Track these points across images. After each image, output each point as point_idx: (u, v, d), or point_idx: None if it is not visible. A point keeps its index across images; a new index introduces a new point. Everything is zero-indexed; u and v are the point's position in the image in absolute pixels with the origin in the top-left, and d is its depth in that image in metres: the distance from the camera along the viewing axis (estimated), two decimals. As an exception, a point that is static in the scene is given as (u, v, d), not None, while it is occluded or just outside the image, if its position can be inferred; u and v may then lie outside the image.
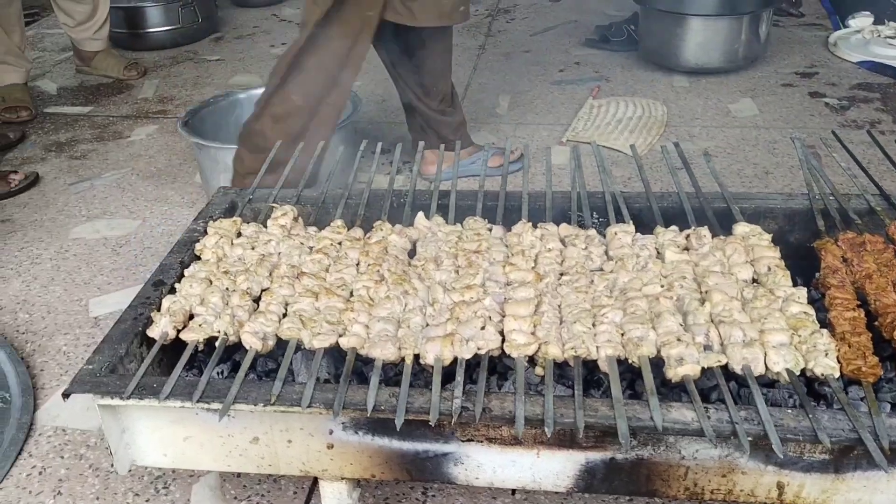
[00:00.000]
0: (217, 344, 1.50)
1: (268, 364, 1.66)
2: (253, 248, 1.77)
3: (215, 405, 1.37)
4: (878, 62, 4.03)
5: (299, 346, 1.50)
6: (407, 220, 1.87)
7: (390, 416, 1.32)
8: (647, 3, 4.11)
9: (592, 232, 1.77)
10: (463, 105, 3.79)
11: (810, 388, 1.46)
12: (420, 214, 1.85)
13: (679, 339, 1.40)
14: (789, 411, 1.28)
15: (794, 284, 1.58)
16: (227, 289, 1.63)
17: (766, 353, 1.37)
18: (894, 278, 1.54)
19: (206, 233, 1.84)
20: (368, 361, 1.48)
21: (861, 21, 4.47)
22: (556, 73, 4.20)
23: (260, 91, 2.73)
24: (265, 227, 1.85)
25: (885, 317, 1.45)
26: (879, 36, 4.22)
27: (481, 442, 1.40)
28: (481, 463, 1.42)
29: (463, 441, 1.41)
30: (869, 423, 1.24)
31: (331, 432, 1.44)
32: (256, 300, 1.62)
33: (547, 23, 5.01)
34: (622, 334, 1.45)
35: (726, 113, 3.60)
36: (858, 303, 1.50)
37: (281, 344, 1.52)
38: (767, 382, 1.45)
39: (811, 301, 1.52)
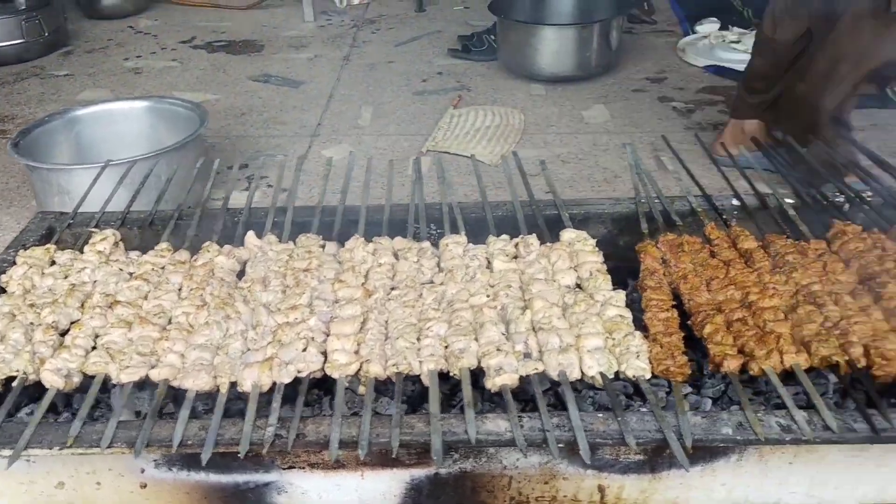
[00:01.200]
0: (14, 385, 1.39)
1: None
2: (66, 278, 1.66)
3: (6, 451, 1.27)
4: (722, 66, 4.23)
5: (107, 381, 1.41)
6: (240, 240, 1.81)
7: (198, 450, 1.26)
8: (503, 14, 4.18)
9: (426, 244, 1.75)
10: (325, 117, 3.76)
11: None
12: (250, 233, 1.79)
13: (499, 349, 1.40)
14: (600, 415, 1.30)
15: (624, 287, 1.62)
16: (31, 323, 1.51)
17: (581, 358, 1.39)
18: (709, 277, 1.60)
19: (14, 263, 1.71)
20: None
21: (708, 27, 4.68)
22: (419, 83, 4.21)
23: (105, 105, 2.59)
24: (82, 253, 1.74)
25: (697, 315, 1.50)
26: (724, 41, 4.44)
27: (303, 468, 1.35)
28: (305, 489, 1.38)
29: (284, 469, 1.36)
30: (675, 423, 1.27)
31: (142, 471, 1.35)
32: (65, 333, 1.52)
33: (412, 33, 5.04)
34: (446, 347, 1.44)
35: (580, 119, 3.70)
36: (674, 303, 1.54)
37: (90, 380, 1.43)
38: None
39: (634, 303, 1.56)
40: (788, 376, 1.35)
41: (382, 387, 1.47)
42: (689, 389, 1.52)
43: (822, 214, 1.82)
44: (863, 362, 1.36)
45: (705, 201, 1.90)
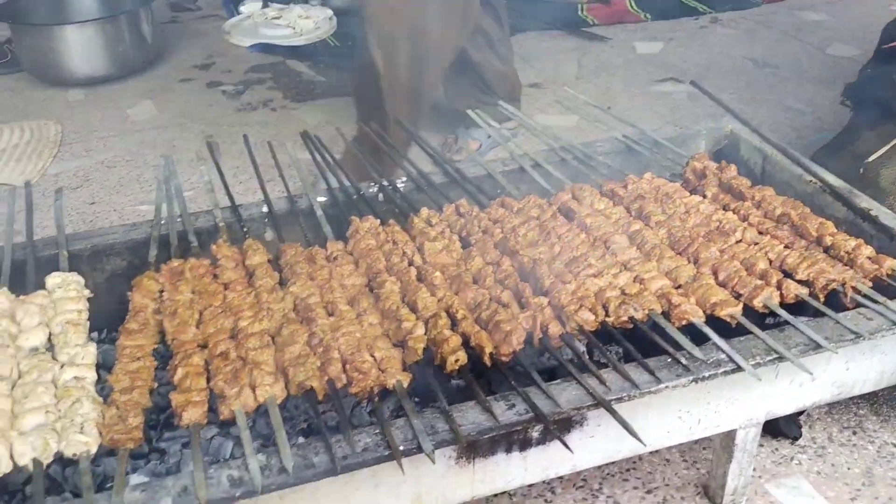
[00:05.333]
0: None
1: None
2: None
3: None
4: (267, 43, 4.23)
5: None
6: None
7: None
8: (17, 19, 3.76)
9: None
10: None
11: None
12: None
13: None
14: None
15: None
16: None
17: (11, 445, 1.13)
18: (204, 307, 1.41)
19: None
20: None
21: (250, 6, 4.63)
22: None
23: None
24: None
25: (175, 357, 1.30)
26: (267, 18, 4.45)
27: None
28: None
29: None
30: (107, 505, 1.06)
31: None
32: None
33: None
34: None
35: (125, 119, 3.50)
36: (157, 346, 1.34)
37: None
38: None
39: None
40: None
41: None
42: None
43: (353, 211, 1.73)
44: (343, 379, 1.25)
45: (232, 213, 1.72)
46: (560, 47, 4.06)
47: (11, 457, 1.13)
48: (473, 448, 1.25)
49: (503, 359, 1.30)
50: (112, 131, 3.33)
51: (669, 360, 1.29)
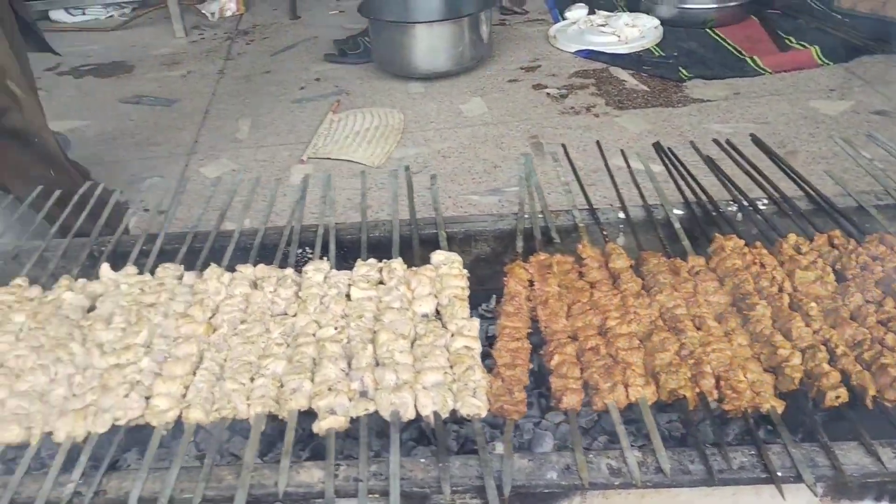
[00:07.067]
0: None
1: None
2: None
3: None
4: (592, 49, 4.32)
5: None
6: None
7: (-8, 510, 1.18)
8: (373, 15, 4.19)
9: (288, 271, 1.67)
10: (201, 133, 3.71)
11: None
12: (105, 266, 1.71)
13: (330, 389, 1.31)
14: (422, 461, 1.21)
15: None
16: None
17: (416, 396, 1.30)
18: (571, 301, 1.50)
19: None
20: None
21: (577, 13, 4.78)
22: (297, 91, 4.22)
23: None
24: (-68, 292, 1.67)
25: (549, 344, 1.41)
26: (592, 25, 4.54)
27: (121, 523, 1.27)
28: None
29: (101, 523, 1.28)
30: (499, 468, 1.18)
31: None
32: None
33: (287, 41, 5.02)
34: (280, 386, 1.36)
35: (458, 113, 3.73)
36: (530, 330, 1.46)
37: None
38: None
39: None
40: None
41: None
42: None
43: (712, 227, 1.73)
44: (715, 395, 1.27)
45: (590, 215, 1.80)
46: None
47: (415, 406, 1.30)
48: (843, 489, 1.20)
49: (886, 404, 1.24)
50: (447, 124, 3.64)
51: None
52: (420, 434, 1.48)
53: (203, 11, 5.50)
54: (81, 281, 1.68)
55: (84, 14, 5.63)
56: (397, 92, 4.05)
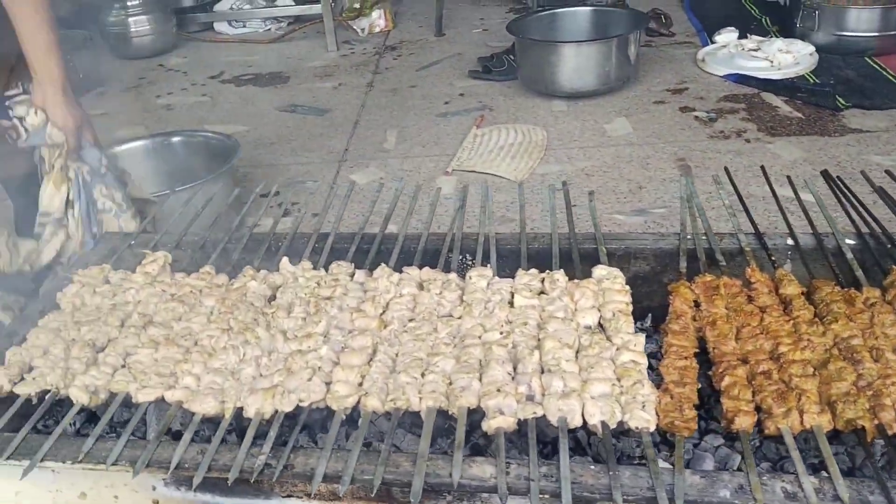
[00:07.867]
0: (47, 398, 1.49)
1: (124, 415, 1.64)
2: (114, 297, 1.77)
3: (25, 462, 1.36)
4: (742, 74, 4.21)
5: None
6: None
7: (192, 473, 1.30)
8: (520, 34, 4.23)
9: (453, 276, 1.74)
10: (351, 142, 3.87)
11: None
12: (284, 259, 1.84)
13: (499, 390, 1.36)
14: (593, 467, 1.24)
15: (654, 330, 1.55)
16: (72, 340, 1.62)
17: (583, 405, 1.33)
18: (740, 324, 1.50)
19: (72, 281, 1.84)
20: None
21: (727, 36, 4.65)
22: (442, 105, 4.30)
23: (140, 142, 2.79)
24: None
25: (719, 366, 1.40)
26: (743, 49, 4.41)
27: (300, 497, 1.37)
28: (302, 518, 1.39)
29: (283, 497, 1.38)
30: (669, 482, 1.19)
31: (154, 488, 1.41)
32: (102, 351, 1.61)
33: (432, 57, 5.13)
34: (450, 384, 1.42)
35: (602, 133, 3.70)
36: (697, 350, 1.46)
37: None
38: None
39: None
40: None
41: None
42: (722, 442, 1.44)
43: (885, 259, 1.67)
44: (894, 428, 1.24)
45: (756, 240, 1.78)
46: None
47: (582, 415, 1.33)
48: None
49: None
50: (590, 142, 3.66)
51: None
52: (575, 443, 1.51)
53: (354, 27, 5.78)
54: (263, 272, 1.81)
55: (245, 26, 6.05)
56: (540, 109, 4.10)
